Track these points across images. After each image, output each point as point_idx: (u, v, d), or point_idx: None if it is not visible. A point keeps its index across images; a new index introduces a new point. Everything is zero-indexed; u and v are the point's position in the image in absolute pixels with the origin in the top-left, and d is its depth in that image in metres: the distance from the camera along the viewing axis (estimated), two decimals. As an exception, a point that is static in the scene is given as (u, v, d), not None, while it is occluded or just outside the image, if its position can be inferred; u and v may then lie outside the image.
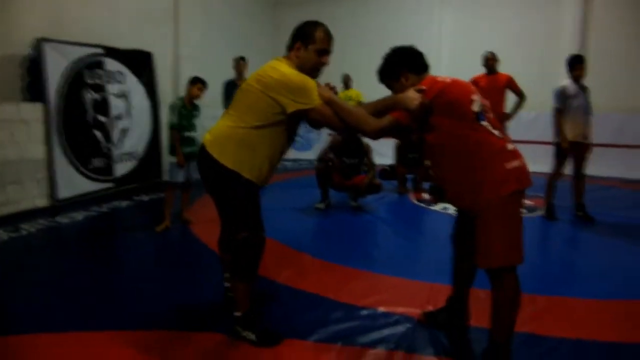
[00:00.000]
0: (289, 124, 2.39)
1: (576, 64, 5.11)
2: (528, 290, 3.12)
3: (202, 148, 2.43)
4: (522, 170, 2.18)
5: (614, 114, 8.25)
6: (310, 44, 2.37)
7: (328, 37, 2.42)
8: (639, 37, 8.35)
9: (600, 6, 8.64)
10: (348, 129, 2.34)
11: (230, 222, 2.49)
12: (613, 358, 2.39)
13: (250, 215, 2.43)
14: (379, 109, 2.28)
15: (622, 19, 8.48)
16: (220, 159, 2.34)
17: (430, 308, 2.90)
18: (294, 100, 2.26)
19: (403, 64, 2.37)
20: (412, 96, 2.17)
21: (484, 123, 2.20)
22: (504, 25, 9.18)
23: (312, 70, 2.40)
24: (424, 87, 2.21)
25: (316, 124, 2.41)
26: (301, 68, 2.37)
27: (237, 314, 2.52)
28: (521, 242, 2.17)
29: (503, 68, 6.16)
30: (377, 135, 2.26)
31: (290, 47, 2.42)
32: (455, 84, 2.26)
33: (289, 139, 2.48)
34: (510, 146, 2.21)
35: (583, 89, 5.12)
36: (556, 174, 5.27)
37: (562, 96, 5.13)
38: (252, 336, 2.48)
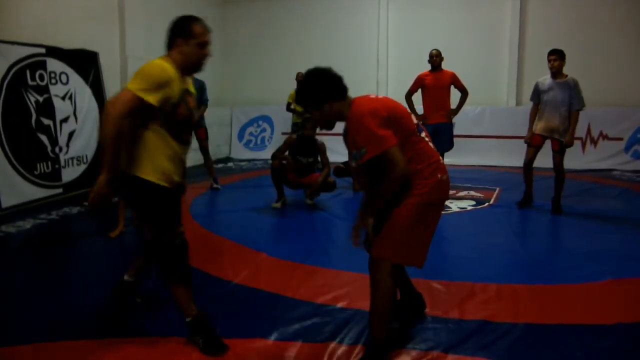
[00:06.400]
0: (164, 118, 2.35)
1: (548, 57, 5.13)
2: (480, 279, 3.29)
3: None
4: (448, 183, 2.36)
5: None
6: (190, 38, 2.39)
7: (206, 29, 2.45)
8: (575, 29, 8.77)
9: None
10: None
11: (147, 226, 2.50)
12: (558, 340, 2.54)
13: (164, 217, 2.42)
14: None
15: (558, 11, 8.90)
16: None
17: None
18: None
19: (327, 95, 2.30)
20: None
21: (423, 135, 2.35)
22: (448, 22, 9.43)
23: (198, 63, 2.45)
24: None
25: None
26: (187, 63, 2.41)
27: (187, 319, 2.47)
28: (424, 249, 2.33)
29: (447, 65, 6.36)
30: None
31: (171, 46, 2.43)
32: (390, 100, 2.35)
33: (180, 135, 2.45)
34: (441, 159, 2.38)
35: (561, 84, 5.05)
36: (524, 163, 5.38)
37: (534, 91, 5.31)
38: (199, 342, 2.45)
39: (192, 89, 2.59)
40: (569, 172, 7.68)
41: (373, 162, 2.19)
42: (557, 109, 5.06)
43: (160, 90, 2.26)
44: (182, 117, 2.41)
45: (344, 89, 2.34)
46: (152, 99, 2.24)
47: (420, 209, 2.25)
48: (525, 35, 9.05)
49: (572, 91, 5.01)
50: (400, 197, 2.25)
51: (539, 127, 5.25)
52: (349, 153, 2.38)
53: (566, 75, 5.10)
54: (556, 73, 5.10)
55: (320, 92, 2.30)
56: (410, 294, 2.79)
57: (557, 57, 5.05)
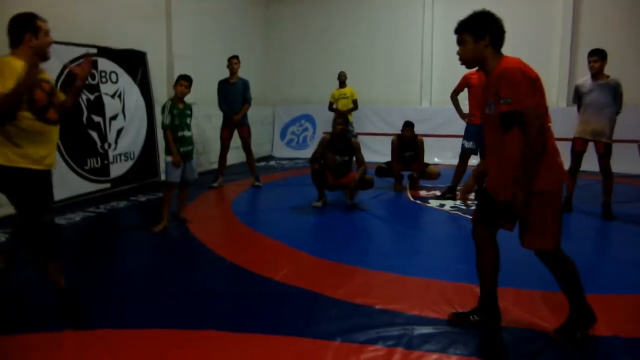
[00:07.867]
0: (26, 105, 2.60)
1: (588, 59, 5.00)
2: (523, 286, 3.18)
3: None
4: (563, 165, 2.44)
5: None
6: (38, 32, 2.68)
7: (44, 20, 2.73)
8: (630, 28, 8.39)
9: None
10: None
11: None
12: (605, 352, 2.43)
13: (32, 200, 2.67)
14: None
15: (613, 9, 8.52)
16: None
17: (428, 305, 2.92)
18: None
19: (491, 34, 2.38)
20: None
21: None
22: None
23: (47, 51, 2.75)
24: None
25: None
26: (40, 53, 2.68)
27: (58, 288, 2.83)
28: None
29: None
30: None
31: (20, 42, 2.66)
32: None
33: (44, 116, 2.71)
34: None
35: (602, 85, 4.91)
36: (569, 169, 5.17)
37: (575, 93, 5.20)
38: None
39: (45, 76, 2.84)
40: (624, 176, 7.40)
41: (507, 117, 2.28)
42: (601, 111, 4.91)
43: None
44: (41, 100, 2.69)
45: (502, 44, 2.43)
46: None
47: (556, 198, 2.39)
48: (579, 33, 8.71)
49: (616, 93, 4.90)
50: (537, 188, 2.29)
51: (581, 130, 5.08)
52: (484, 104, 2.45)
53: (608, 76, 4.95)
54: (596, 74, 4.95)
55: (488, 26, 2.39)
56: (491, 306, 2.70)
57: (597, 57, 4.90)
